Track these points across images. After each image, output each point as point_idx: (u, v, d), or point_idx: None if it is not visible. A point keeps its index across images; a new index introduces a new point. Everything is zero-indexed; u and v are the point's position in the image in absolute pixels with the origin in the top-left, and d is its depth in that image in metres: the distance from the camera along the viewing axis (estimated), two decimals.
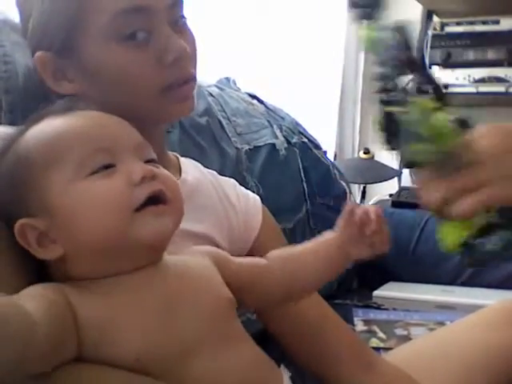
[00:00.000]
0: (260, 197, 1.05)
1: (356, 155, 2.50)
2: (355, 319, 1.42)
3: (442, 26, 2.27)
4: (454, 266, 1.72)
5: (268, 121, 1.64)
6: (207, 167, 1.03)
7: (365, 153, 2.31)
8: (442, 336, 1.08)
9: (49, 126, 0.68)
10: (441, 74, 2.23)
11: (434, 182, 0.71)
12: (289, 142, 1.62)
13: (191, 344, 0.64)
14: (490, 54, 2.18)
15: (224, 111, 1.53)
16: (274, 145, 1.57)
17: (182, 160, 0.98)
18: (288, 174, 1.58)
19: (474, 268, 1.60)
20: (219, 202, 0.96)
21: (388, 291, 1.63)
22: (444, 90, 0.76)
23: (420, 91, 0.75)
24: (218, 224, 0.94)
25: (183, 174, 0.94)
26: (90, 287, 0.63)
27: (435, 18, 2.29)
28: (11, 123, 0.89)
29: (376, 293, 1.62)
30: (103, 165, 0.65)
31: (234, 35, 2.05)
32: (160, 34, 0.81)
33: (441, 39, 2.25)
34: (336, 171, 1.76)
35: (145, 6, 0.80)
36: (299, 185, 1.62)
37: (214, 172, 1.02)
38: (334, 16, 2.42)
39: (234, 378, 0.65)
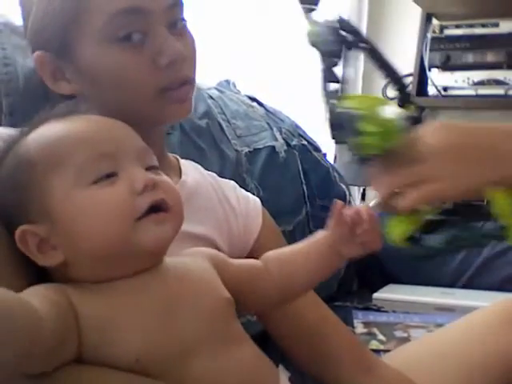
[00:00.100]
0: (260, 199, 1.05)
1: None
2: (355, 321, 1.42)
3: (442, 28, 2.27)
4: (454, 268, 1.72)
5: (268, 123, 1.64)
6: (207, 169, 1.03)
7: None
8: (439, 338, 1.08)
9: (50, 130, 0.68)
10: (440, 77, 2.23)
11: (381, 176, 0.73)
12: (288, 145, 1.63)
13: (191, 344, 0.64)
14: (490, 57, 2.18)
15: (224, 114, 1.54)
16: (273, 147, 1.58)
17: (182, 162, 0.99)
18: (288, 177, 1.59)
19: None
20: (219, 204, 0.97)
21: (388, 293, 1.63)
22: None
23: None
24: (217, 226, 0.94)
25: (183, 176, 0.94)
26: (91, 288, 0.64)
27: (434, 21, 2.29)
28: (12, 125, 0.89)
29: (376, 295, 1.62)
30: (106, 173, 0.65)
31: (233, 37, 2.05)
32: (155, 36, 0.81)
33: (440, 42, 2.25)
34: (336, 174, 1.77)
35: (141, 8, 0.80)
36: (299, 187, 1.62)
37: (214, 174, 1.02)
38: (334, 18, 2.42)
39: (233, 378, 0.66)
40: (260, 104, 1.72)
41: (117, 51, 0.80)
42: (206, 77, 1.53)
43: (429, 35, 2.26)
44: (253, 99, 1.72)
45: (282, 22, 2.21)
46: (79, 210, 0.63)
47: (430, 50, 2.25)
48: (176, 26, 0.84)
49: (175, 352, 0.63)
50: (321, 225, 1.68)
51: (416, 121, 0.75)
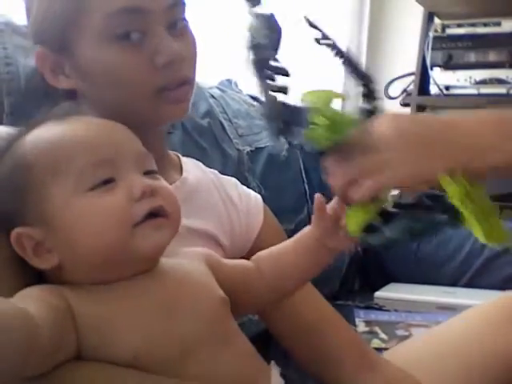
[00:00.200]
0: (262, 198, 1.05)
1: None
2: (357, 320, 1.42)
3: (443, 27, 2.27)
4: (456, 267, 1.72)
5: None
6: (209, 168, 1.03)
7: None
8: (438, 337, 1.08)
9: (49, 133, 0.68)
10: (442, 76, 2.23)
11: (335, 167, 0.74)
12: (290, 144, 1.63)
13: (189, 344, 0.64)
14: (492, 56, 2.18)
15: (225, 113, 1.54)
16: (275, 146, 1.58)
17: (184, 159, 0.99)
18: (289, 176, 1.59)
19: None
20: (221, 200, 0.97)
21: (389, 292, 1.63)
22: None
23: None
24: (219, 222, 0.94)
25: (184, 173, 0.94)
26: (89, 290, 0.64)
27: (436, 20, 2.29)
28: (13, 125, 0.89)
29: (378, 294, 1.62)
30: (104, 179, 0.64)
31: (234, 37, 2.05)
32: (154, 36, 0.81)
33: (442, 41, 2.25)
34: None
35: (140, 7, 0.80)
36: (301, 186, 1.62)
37: (216, 171, 1.02)
38: (336, 17, 2.43)
39: (229, 375, 0.66)
40: (261, 103, 1.72)
41: (115, 50, 0.81)
42: (207, 76, 1.53)
43: (431, 34, 2.25)
44: (254, 98, 1.72)
45: (284, 21, 2.21)
46: (77, 216, 0.63)
47: (432, 49, 2.25)
48: (176, 26, 0.84)
49: (173, 351, 0.63)
50: None
51: (371, 114, 0.76)
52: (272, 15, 0.75)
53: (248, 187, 1.07)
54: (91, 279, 0.65)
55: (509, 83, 2.14)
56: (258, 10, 0.75)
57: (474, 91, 2.19)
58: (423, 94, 2.30)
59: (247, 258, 0.81)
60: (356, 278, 1.83)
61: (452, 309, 1.49)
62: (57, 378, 0.58)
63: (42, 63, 0.86)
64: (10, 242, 0.65)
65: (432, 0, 2.23)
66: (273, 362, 0.73)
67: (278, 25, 0.76)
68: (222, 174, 1.04)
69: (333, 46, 0.76)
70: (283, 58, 0.78)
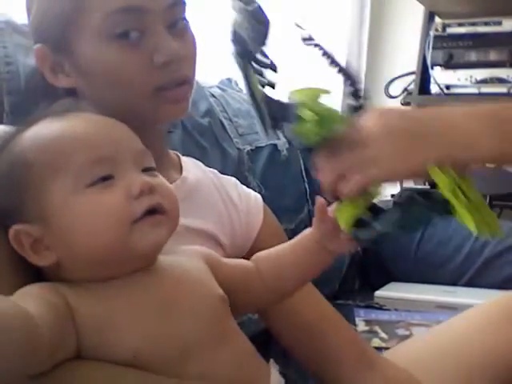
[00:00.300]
0: (262, 197, 1.05)
1: None
2: (357, 319, 1.42)
3: (444, 27, 2.27)
4: (456, 267, 1.72)
5: None
6: (209, 167, 1.03)
7: None
8: (439, 336, 1.08)
9: (48, 129, 0.68)
10: (443, 75, 2.23)
11: (324, 163, 0.74)
12: (290, 143, 1.63)
13: (188, 342, 0.64)
14: (492, 55, 2.17)
15: (226, 112, 1.54)
16: (275, 145, 1.58)
17: (183, 159, 0.99)
18: (290, 175, 1.59)
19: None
20: (221, 200, 0.97)
21: (390, 291, 1.63)
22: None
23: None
24: (219, 222, 0.94)
25: (184, 172, 0.94)
26: (87, 287, 0.64)
27: (437, 19, 2.29)
28: (13, 124, 0.89)
29: (378, 293, 1.62)
30: (102, 176, 0.64)
31: None
32: (152, 35, 0.81)
33: (443, 40, 2.25)
34: None
35: (139, 7, 0.80)
36: (301, 185, 1.62)
37: (215, 171, 1.03)
38: (337, 16, 2.43)
39: (229, 374, 0.66)
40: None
41: (114, 49, 0.81)
42: (207, 75, 1.53)
43: (431, 33, 2.25)
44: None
45: (284, 20, 2.21)
46: (75, 214, 0.63)
47: (433, 49, 2.24)
48: (176, 25, 0.85)
49: (173, 351, 0.63)
50: None
51: (358, 109, 0.76)
52: (259, 7, 0.75)
53: (248, 186, 1.07)
54: (89, 276, 0.64)
55: (509, 82, 2.13)
56: (245, 3, 0.75)
57: (474, 90, 2.19)
58: (424, 93, 2.30)
59: (247, 257, 0.81)
60: (356, 277, 1.82)
61: (452, 308, 1.49)
62: (57, 377, 0.58)
63: (42, 62, 0.86)
64: (9, 240, 0.65)
65: None
66: (272, 361, 0.73)
67: (265, 17, 0.76)
68: (222, 173, 1.04)
69: (319, 47, 0.76)
70: (275, 53, 0.78)
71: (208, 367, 0.65)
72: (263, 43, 0.76)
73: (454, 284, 1.70)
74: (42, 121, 0.69)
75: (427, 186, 2.27)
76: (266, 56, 0.77)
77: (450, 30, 2.26)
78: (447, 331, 1.06)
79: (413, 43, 2.31)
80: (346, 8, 2.46)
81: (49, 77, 0.87)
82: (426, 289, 1.66)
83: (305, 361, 0.98)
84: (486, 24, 2.20)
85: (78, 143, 0.66)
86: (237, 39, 0.75)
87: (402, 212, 0.73)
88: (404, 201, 0.74)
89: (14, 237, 0.65)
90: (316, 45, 0.76)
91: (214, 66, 1.71)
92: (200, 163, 1.02)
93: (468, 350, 0.98)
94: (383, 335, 1.33)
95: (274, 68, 0.76)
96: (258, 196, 1.04)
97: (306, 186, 1.63)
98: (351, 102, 0.77)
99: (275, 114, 0.75)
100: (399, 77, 2.49)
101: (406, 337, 1.31)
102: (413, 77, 2.37)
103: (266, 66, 0.76)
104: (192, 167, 0.97)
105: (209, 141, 1.42)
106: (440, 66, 2.24)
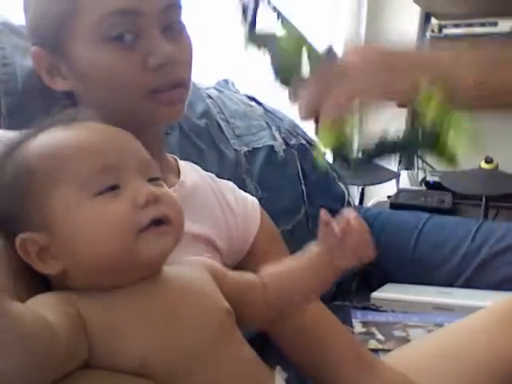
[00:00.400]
0: (259, 199, 1.05)
1: None
2: (354, 321, 1.42)
3: (440, 28, 2.27)
4: (453, 268, 1.72)
5: (266, 123, 1.64)
6: (206, 170, 1.03)
7: None
8: (442, 338, 1.08)
9: (53, 139, 0.68)
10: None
11: (304, 90, 0.75)
12: (287, 144, 1.63)
13: (194, 354, 0.64)
14: None
15: (223, 113, 1.54)
16: (272, 147, 1.58)
17: (181, 163, 0.99)
18: (287, 176, 1.59)
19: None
20: (218, 204, 0.97)
21: (386, 293, 1.63)
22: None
23: None
24: (216, 226, 0.94)
25: (182, 177, 0.94)
26: (93, 296, 0.63)
27: (433, 20, 2.29)
28: (10, 126, 0.90)
29: (374, 294, 1.62)
30: (108, 186, 0.64)
31: (232, 37, 2.05)
32: (147, 38, 0.82)
33: (439, 41, 2.25)
34: (334, 173, 1.77)
35: (133, 9, 0.81)
36: (298, 187, 1.62)
37: (213, 175, 1.03)
38: (334, 17, 2.43)
39: (232, 382, 0.66)
40: (259, 103, 1.72)
41: (108, 51, 0.81)
42: (204, 76, 1.53)
43: (428, 34, 2.26)
44: (251, 98, 1.72)
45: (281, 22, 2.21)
46: (80, 223, 0.63)
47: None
48: (171, 28, 0.85)
49: (178, 359, 0.63)
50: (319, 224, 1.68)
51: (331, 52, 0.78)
52: None
53: (245, 188, 1.07)
54: (94, 285, 0.64)
55: None
56: None
57: None
58: None
59: (244, 261, 0.80)
60: (353, 278, 1.83)
61: (449, 309, 1.49)
62: None
63: (39, 64, 0.86)
64: (15, 248, 0.65)
65: (429, 0, 2.23)
66: (278, 368, 0.73)
67: None
68: (219, 174, 1.04)
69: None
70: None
71: (212, 378, 0.64)
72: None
73: (451, 285, 1.70)
74: (47, 130, 0.69)
75: (424, 188, 2.27)
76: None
77: (446, 31, 2.27)
78: (450, 335, 1.05)
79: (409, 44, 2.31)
80: (343, 9, 2.47)
81: (46, 79, 0.87)
82: (422, 290, 1.66)
83: (301, 364, 0.98)
84: (482, 25, 2.20)
85: (83, 152, 0.66)
86: None
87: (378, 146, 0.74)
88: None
89: (20, 245, 0.64)
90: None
91: (211, 67, 1.71)
92: (198, 167, 1.02)
93: (475, 354, 0.98)
94: (380, 337, 1.33)
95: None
96: (255, 200, 1.04)
97: (303, 187, 1.63)
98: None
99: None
100: None
101: (403, 338, 1.31)
102: None
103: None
104: (190, 171, 0.97)
105: (206, 142, 1.42)
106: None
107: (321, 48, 0.79)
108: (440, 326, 1.34)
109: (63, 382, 0.57)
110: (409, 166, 2.27)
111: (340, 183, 1.77)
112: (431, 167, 2.41)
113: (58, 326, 0.55)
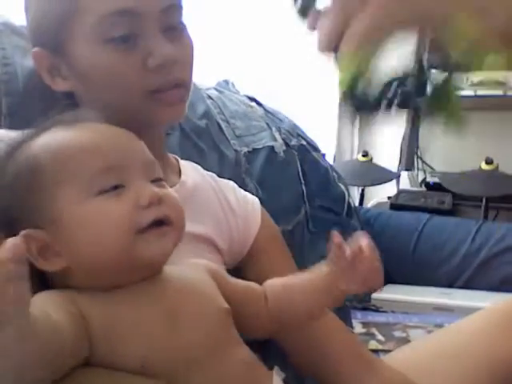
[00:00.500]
0: (259, 199, 1.05)
1: (355, 158, 2.51)
2: (354, 321, 1.42)
3: None
4: (453, 269, 1.72)
5: (267, 123, 1.64)
6: (207, 170, 1.03)
7: (363, 155, 2.31)
8: (442, 339, 1.08)
9: (61, 138, 0.68)
10: (439, 77, 2.23)
11: (327, 18, 0.70)
12: (287, 145, 1.62)
13: (193, 354, 0.65)
14: None
15: (223, 114, 1.53)
16: (272, 147, 1.57)
17: (182, 162, 0.99)
18: (287, 177, 1.58)
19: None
20: (219, 204, 0.97)
21: (387, 293, 1.63)
22: None
23: None
24: (217, 226, 0.94)
25: (183, 176, 0.94)
26: (93, 295, 0.64)
27: None
28: (11, 126, 0.90)
29: (375, 295, 1.62)
30: (113, 185, 0.65)
31: (233, 37, 2.06)
32: (146, 38, 0.82)
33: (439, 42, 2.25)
34: (335, 174, 1.77)
35: (133, 10, 0.80)
36: (298, 187, 1.62)
37: (214, 174, 1.03)
38: None
39: (231, 383, 0.66)
40: (259, 104, 1.72)
41: (108, 52, 0.81)
42: (205, 77, 1.53)
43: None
44: (252, 99, 1.72)
45: (281, 22, 2.22)
46: (84, 219, 0.64)
47: (429, 50, 2.25)
48: (171, 29, 0.85)
49: (178, 359, 0.63)
50: (319, 225, 1.69)
51: None
52: None
53: (245, 188, 1.07)
54: (95, 284, 0.65)
55: (505, 84, 2.14)
56: None
57: (470, 92, 2.20)
58: (420, 95, 2.30)
59: (245, 261, 0.80)
60: None
61: (449, 310, 1.50)
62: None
63: (40, 65, 0.87)
64: None
65: None
66: (276, 368, 0.73)
67: None
68: (220, 175, 1.04)
69: None
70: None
71: (211, 378, 0.65)
72: None
73: (451, 286, 1.70)
74: (52, 129, 0.69)
75: (424, 189, 2.27)
76: None
77: None
78: (450, 336, 1.05)
79: (409, 44, 2.31)
80: None
81: (46, 79, 0.87)
82: (422, 291, 1.67)
83: (302, 363, 0.98)
84: None
85: (88, 152, 0.66)
86: None
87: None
88: None
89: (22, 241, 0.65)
90: None
91: (212, 67, 1.71)
92: (199, 167, 1.02)
93: (475, 355, 0.97)
94: (380, 337, 1.33)
95: None
96: (256, 200, 1.04)
97: (303, 187, 1.63)
98: None
99: None
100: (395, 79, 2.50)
101: (403, 339, 1.31)
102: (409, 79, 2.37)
103: None
104: (191, 171, 0.97)
105: (206, 143, 1.42)
106: (436, 67, 2.24)
107: None
108: (440, 326, 1.34)
109: (63, 380, 0.58)
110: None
111: (340, 184, 1.76)
112: (431, 168, 2.42)
113: (64, 328, 0.56)
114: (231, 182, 1.04)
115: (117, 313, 0.63)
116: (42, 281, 0.67)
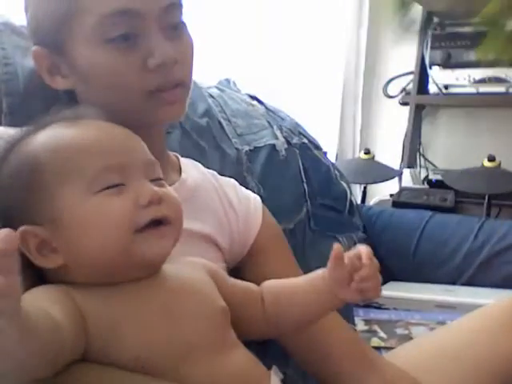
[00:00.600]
0: (261, 197, 1.05)
1: (357, 155, 2.51)
2: (356, 319, 1.42)
3: (442, 26, 2.27)
4: (456, 266, 1.72)
5: (268, 122, 1.64)
6: (208, 168, 1.03)
7: (365, 153, 2.31)
8: (443, 337, 1.07)
9: (61, 135, 0.68)
10: (441, 75, 2.23)
11: None
12: (289, 143, 1.62)
13: (189, 351, 0.65)
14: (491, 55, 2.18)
15: (224, 112, 1.53)
16: (274, 145, 1.57)
17: (183, 160, 0.99)
18: (288, 175, 1.58)
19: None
20: (220, 202, 0.97)
21: (389, 291, 1.63)
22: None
23: None
24: (218, 224, 0.94)
25: (183, 174, 0.94)
26: (91, 291, 0.64)
27: (435, 19, 2.29)
28: (11, 125, 0.90)
29: None
30: (114, 184, 0.65)
31: (234, 36, 2.06)
32: (147, 38, 0.82)
33: (441, 39, 2.25)
34: (336, 172, 1.76)
35: (133, 9, 0.80)
36: (300, 185, 1.62)
37: (215, 172, 1.03)
38: (336, 16, 2.43)
39: (228, 382, 0.66)
40: (260, 102, 1.72)
41: (108, 51, 0.81)
42: (206, 76, 1.53)
43: (430, 32, 2.26)
44: (253, 98, 1.72)
45: (283, 20, 2.22)
46: (85, 217, 0.64)
47: (431, 48, 2.25)
48: (171, 28, 0.85)
49: (174, 358, 0.64)
50: (321, 223, 1.69)
51: None
52: None
53: (247, 187, 1.07)
54: (93, 281, 0.65)
55: (508, 82, 2.14)
56: None
57: (473, 90, 2.20)
58: (422, 92, 2.30)
59: (246, 260, 0.80)
60: None
61: (451, 307, 1.49)
62: (64, 381, 0.59)
63: (40, 64, 0.87)
64: None
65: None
66: (274, 368, 0.73)
67: None
68: (221, 173, 1.04)
69: None
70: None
71: (208, 375, 0.65)
72: None
73: (453, 283, 1.70)
74: (52, 126, 0.70)
75: (426, 186, 2.27)
76: None
77: (448, 30, 2.26)
78: (452, 334, 1.05)
79: (411, 42, 2.31)
80: (345, 8, 2.47)
81: (46, 79, 0.87)
82: (425, 288, 1.66)
83: (304, 360, 0.98)
84: None
85: (90, 150, 0.66)
86: None
87: None
88: None
89: (20, 237, 0.65)
90: None
91: (213, 66, 1.71)
92: (199, 165, 1.02)
93: (476, 353, 0.97)
94: (382, 334, 1.33)
95: None
96: (258, 198, 1.04)
97: (305, 186, 1.63)
98: None
99: None
100: (397, 76, 2.50)
101: (405, 336, 1.31)
102: (411, 76, 2.38)
103: None
104: (191, 169, 0.98)
105: (207, 141, 1.42)
106: (438, 65, 2.24)
107: None
108: (442, 323, 1.34)
109: (59, 374, 0.58)
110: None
111: (342, 182, 1.76)
112: (433, 165, 2.42)
113: (65, 328, 0.56)
114: (232, 180, 1.04)
115: (113, 309, 0.63)
116: (38, 275, 0.67)
